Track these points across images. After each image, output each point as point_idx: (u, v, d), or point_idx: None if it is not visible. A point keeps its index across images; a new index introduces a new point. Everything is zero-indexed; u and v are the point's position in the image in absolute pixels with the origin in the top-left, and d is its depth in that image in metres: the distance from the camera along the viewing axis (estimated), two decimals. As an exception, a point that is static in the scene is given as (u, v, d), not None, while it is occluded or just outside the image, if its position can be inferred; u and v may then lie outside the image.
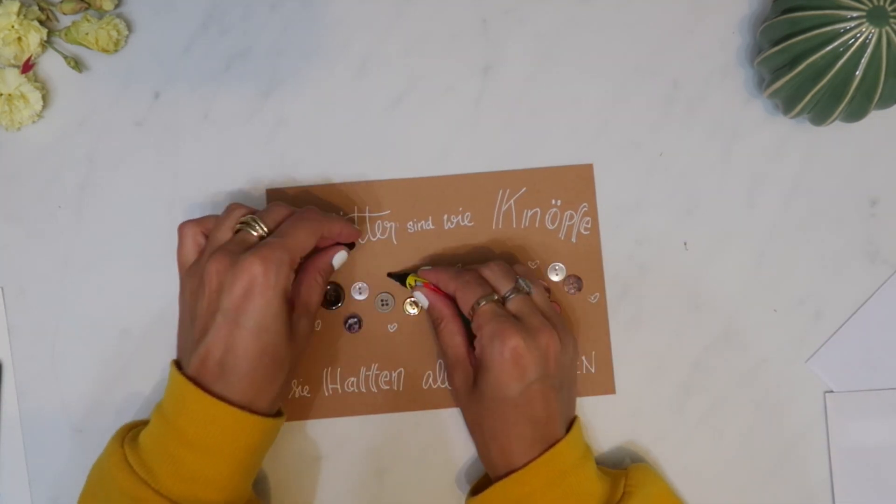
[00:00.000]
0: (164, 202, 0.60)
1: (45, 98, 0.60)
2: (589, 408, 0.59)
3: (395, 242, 0.60)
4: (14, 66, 0.59)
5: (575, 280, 0.59)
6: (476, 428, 0.53)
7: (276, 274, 0.48)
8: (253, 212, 0.52)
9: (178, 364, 0.51)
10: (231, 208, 0.53)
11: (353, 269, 0.59)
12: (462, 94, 0.61)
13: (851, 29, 0.52)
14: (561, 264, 0.59)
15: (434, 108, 0.61)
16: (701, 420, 0.59)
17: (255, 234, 0.51)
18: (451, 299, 0.55)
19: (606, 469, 0.55)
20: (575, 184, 0.60)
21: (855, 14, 0.52)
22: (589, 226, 0.60)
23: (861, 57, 0.52)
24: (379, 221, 0.60)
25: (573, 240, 0.60)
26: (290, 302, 0.51)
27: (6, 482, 0.58)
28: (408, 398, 0.59)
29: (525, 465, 0.50)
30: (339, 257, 0.56)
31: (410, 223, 0.60)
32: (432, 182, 0.60)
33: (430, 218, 0.60)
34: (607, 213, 0.60)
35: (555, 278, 0.59)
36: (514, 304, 0.52)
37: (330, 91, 0.61)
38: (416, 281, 0.57)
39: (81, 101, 0.61)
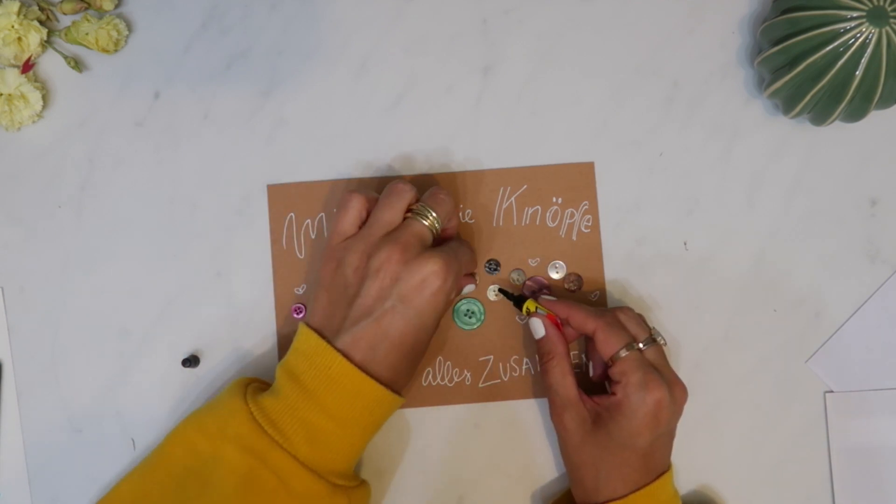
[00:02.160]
0: (164, 202, 0.60)
1: (45, 98, 0.60)
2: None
3: None
4: (14, 66, 0.59)
5: (575, 278, 0.59)
6: (588, 467, 0.53)
7: (452, 282, 0.51)
8: (418, 198, 0.54)
9: (315, 331, 0.51)
10: (400, 189, 0.53)
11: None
12: (462, 94, 0.61)
13: (851, 29, 0.52)
14: (561, 262, 0.60)
15: (434, 108, 0.61)
16: (701, 420, 0.59)
17: (426, 222, 0.52)
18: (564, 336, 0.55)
19: None
20: (576, 182, 0.60)
21: (855, 14, 0.52)
22: (589, 224, 0.60)
23: (861, 57, 0.52)
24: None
25: (574, 237, 0.60)
26: None
27: (6, 482, 0.58)
28: (407, 395, 0.59)
29: (625, 495, 0.51)
30: (469, 288, 0.58)
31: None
32: (433, 179, 0.60)
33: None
34: (607, 212, 0.60)
35: (555, 276, 0.59)
36: (650, 354, 0.53)
37: (330, 91, 0.61)
38: (536, 308, 0.56)
39: (81, 101, 0.61)
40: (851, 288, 0.60)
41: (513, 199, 0.60)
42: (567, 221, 0.60)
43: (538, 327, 0.56)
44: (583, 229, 0.60)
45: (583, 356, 0.59)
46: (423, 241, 0.52)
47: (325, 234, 0.60)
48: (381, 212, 0.52)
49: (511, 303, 0.58)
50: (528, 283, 0.59)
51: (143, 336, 0.59)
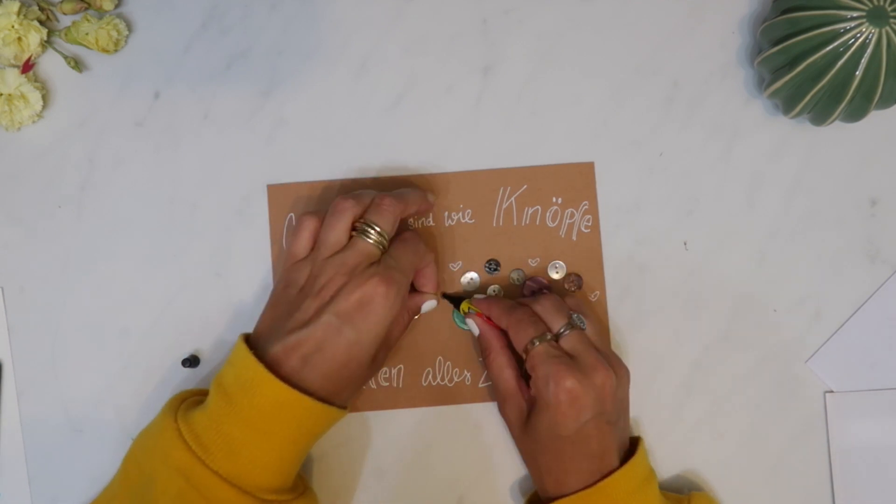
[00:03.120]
0: (164, 202, 0.60)
1: (45, 98, 0.60)
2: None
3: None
4: (14, 66, 0.59)
5: (575, 278, 0.59)
6: (531, 461, 0.54)
7: (395, 298, 0.51)
8: (363, 212, 0.53)
9: (248, 343, 0.51)
10: (341, 209, 0.52)
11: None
12: (462, 94, 0.61)
13: (851, 29, 0.52)
14: (561, 262, 0.60)
15: (434, 108, 0.61)
16: (701, 420, 0.59)
17: (370, 240, 0.52)
18: (503, 330, 0.55)
19: (669, 494, 0.56)
20: (576, 182, 0.60)
21: (855, 14, 0.52)
22: (589, 224, 0.60)
23: (861, 57, 0.52)
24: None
25: (574, 237, 0.60)
26: None
27: (6, 482, 0.58)
28: (407, 395, 0.59)
29: (576, 491, 0.51)
30: (429, 304, 0.57)
31: (411, 220, 0.60)
32: (433, 179, 0.60)
33: (431, 215, 0.60)
34: (607, 212, 0.60)
35: (555, 276, 0.59)
36: (567, 341, 0.52)
37: (330, 91, 0.61)
38: (469, 308, 0.57)
39: (81, 101, 0.61)
40: (851, 288, 0.60)
41: (513, 199, 0.60)
42: (567, 221, 0.60)
43: (472, 326, 0.57)
44: (583, 229, 0.60)
45: None
46: (369, 258, 0.51)
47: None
48: (326, 233, 0.52)
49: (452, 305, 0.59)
50: (528, 283, 0.59)
51: (143, 336, 0.59)
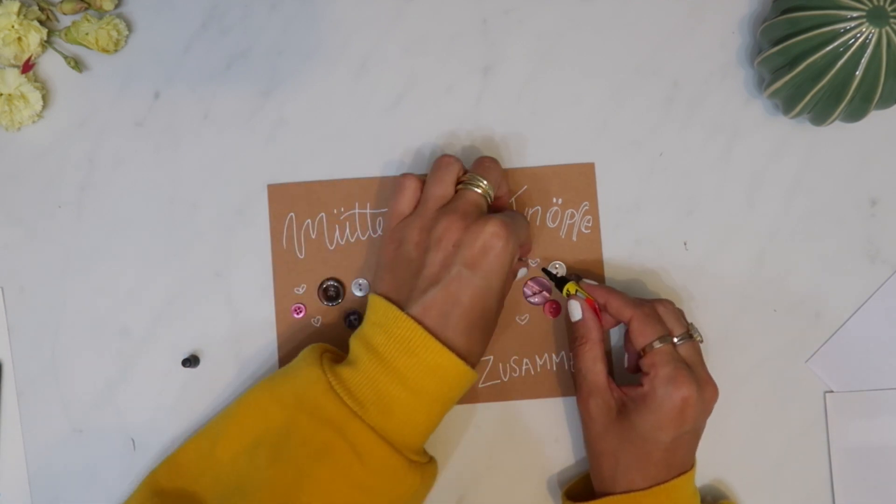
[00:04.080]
0: (164, 202, 0.60)
1: (45, 98, 0.60)
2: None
3: None
4: (14, 66, 0.59)
5: (575, 278, 0.59)
6: (608, 456, 0.53)
7: (514, 243, 0.51)
8: (465, 170, 0.54)
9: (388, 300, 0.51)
10: (446, 163, 0.53)
11: (354, 265, 0.59)
12: (462, 94, 0.61)
13: (851, 29, 0.52)
14: (561, 262, 0.59)
15: (434, 108, 0.61)
16: (701, 420, 0.59)
17: (479, 190, 0.53)
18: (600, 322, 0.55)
19: None
20: (576, 182, 0.60)
21: (855, 14, 0.52)
22: (590, 224, 0.60)
23: (861, 57, 0.52)
24: (380, 218, 0.60)
25: (574, 238, 0.60)
26: None
27: (6, 482, 0.58)
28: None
29: (644, 488, 0.51)
30: (522, 272, 0.59)
31: None
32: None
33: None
34: (607, 212, 0.60)
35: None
36: (683, 349, 0.53)
37: (330, 91, 0.61)
38: (577, 291, 0.56)
39: (81, 101, 0.61)
40: (851, 288, 0.60)
41: (513, 199, 0.60)
42: (567, 222, 0.60)
43: (576, 310, 0.55)
44: (583, 230, 0.60)
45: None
46: (479, 207, 0.52)
47: (326, 233, 0.60)
48: (433, 187, 0.53)
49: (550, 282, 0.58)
50: (529, 282, 0.59)
51: (143, 336, 0.59)
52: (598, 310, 0.55)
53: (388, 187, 0.60)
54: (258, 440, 0.50)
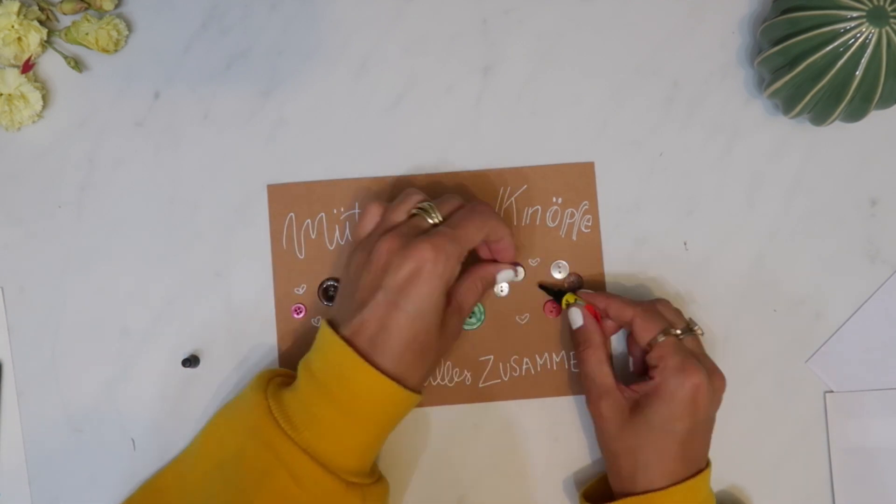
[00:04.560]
0: (164, 202, 0.60)
1: (45, 98, 0.60)
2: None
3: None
4: (14, 66, 0.59)
5: (575, 278, 0.59)
6: (626, 455, 0.52)
7: (445, 264, 0.49)
8: (429, 199, 0.53)
9: (331, 325, 0.51)
10: (408, 193, 0.53)
11: (354, 268, 0.60)
12: (462, 94, 0.61)
13: (851, 29, 0.52)
14: (564, 262, 0.59)
15: (434, 108, 0.61)
16: (701, 420, 0.59)
17: (429, 221, 0.52)
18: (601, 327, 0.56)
19: None
20: (576, 182, 0.60)
21: (855, 14, 0.52)
22: (590, 224, 0.60)
23: (861, 57, 0.52)
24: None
25: (574, 238, 0.60)
26: (447, 296, 0.51)
27: (6, 482, 0.58)
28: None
29: (665, 487, 0.51)
30: (504, 275, 0.56)
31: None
32: (433, 179, 0.60)
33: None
34: (607, 212, 0.60)
35: (557, 275, 0.59)
36: (688, 342, 0.53)
37: (330, 91, 0.61)
38: (575, 300, 0.57)
39: (81, 101, 0.61)
40: (851, 288, 0.60)
41: (513, 199, 0.60)
42: (567, 221, 0.60)
43: (576, 317, 0.56)
44: (583, 229, 0.60)
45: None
46: (420, 230, 0.51)
47: (326, 233, 0.60)
48: (388, 214, 0.53)
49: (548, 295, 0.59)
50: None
51: (143, 336, 0.59)
52: (598, 315, 0.56)
53: (388, 187, 0.60)
54: (218, 465, 0.51)
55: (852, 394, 0.59)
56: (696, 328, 0.54)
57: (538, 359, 0.59)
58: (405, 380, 0.50)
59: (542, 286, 0.59)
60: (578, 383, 0.59)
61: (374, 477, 0.53)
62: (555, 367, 0.59)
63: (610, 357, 0.55)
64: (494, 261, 0.56)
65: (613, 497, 0.53)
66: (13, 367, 0.59)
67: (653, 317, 0.53)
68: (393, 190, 0.60)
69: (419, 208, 0.52)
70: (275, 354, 0.59)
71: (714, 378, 0.52)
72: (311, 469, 0.49)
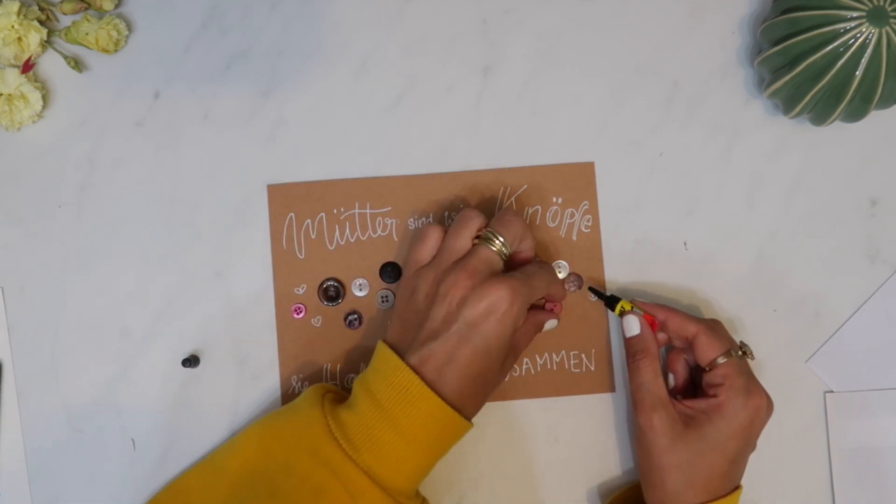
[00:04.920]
0: (164, 202, 0.60)
1: (45, 98, 0.60)
2: (588, 406, 0.59)
3: (396, 239, 0.60)
4: (14, 66, 0.59)
5: (575, 278, 0.59)
6: (674, 470, 0.52)
7: (519, 308, 0.51)
8: (487, 223, 0.54)
9: (391, 348, 0.52)
10: (467, 217, 0.53)
11: (354, 265, 0.59)
12: (462, 94, 0.61)
13: (851, 29, 0.52)
14: (564, 262, 0.59)
15: (434, 108, 0.61)
16: (701, 420, 0.59)
17: (493, 248, 0.52)
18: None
19: None
20: (576, 182, 0.60)
21: (855, 14, 0.52)
22: (590, 224, 0.60)
23: (861, 57, 0.52)
24: (380, 218, 0.60)
25: (574, 238, 0.60)
26: None
27: (6, 482, 0.58)
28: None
29: (707, 502, 0.52)
30: (551, 323, 0.58)
31: (411, 219, 0.60)
32: (433, 179, 0.60)
33: (432, 215, 0.60)
34: (607, 212, 0.60)
35: (559, 275, 0.59)
36: (744, 364, 0.54)
37: (330, 91, 0.61)
38: (632, 308, 0.56)
39: (81, 101, 0.61)
40: (851, 288, 0.60)
41: (513, 199, 0.60)
42: (567, 221, 0.60)
43: (634, 325, 0.56)
44: (583, 229, 0.60)
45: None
46: (491, 265, 0.52)
47: (326, 233, 0.60)
48: (450, 240, 0.53)
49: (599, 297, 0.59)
50: None
51: (143, 336, 0.59)
52: (654, 326, 0.56)
53: (389, 188, 0.60)
54: (259, 475, 0.51)
55: (852, 394, 0.59)
56: (749, 353, 0.55)
57: (538, 359, 0.59)
58: (463, 410, 0.51)
59: (593, 290, 0.59)
60: (578, 384, 0.59)
61: (419, 499, 0.53)
62: (555, 368, 0.59)
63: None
64: (542, 307, 0.58)
65: None
66: (13, 367, 0.59)
67: (717, 335, 0.54)
68: (395, 190, 0.60)
69: (481, 237, 0.53)
70: (275, 354, 0.59)
71: (770, 403, 0.53)
72: (370, 490, 0.49)
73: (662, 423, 0.52)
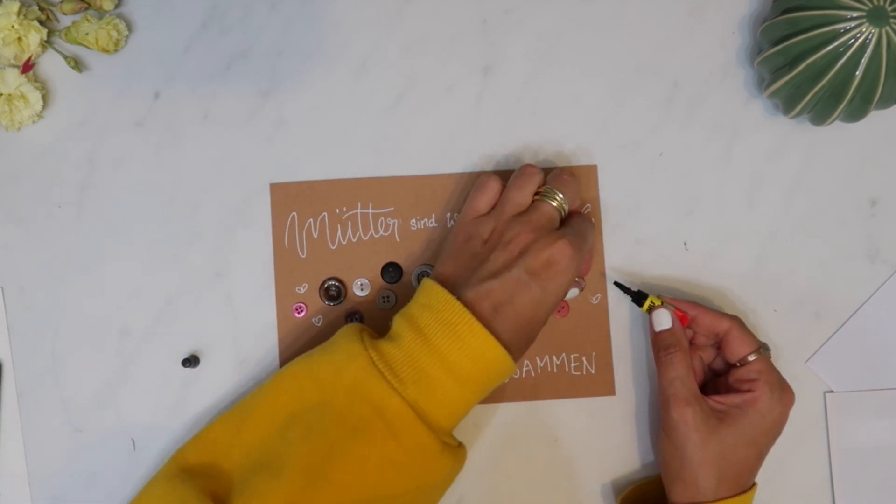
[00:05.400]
0: (164, 202, 0.60)
1: (45, 98, 0.60)
2: (588, 409, 0.59)
3: (398, 239, 0.60)
4: (14, 66, 0.59)
5: (577, 280, 0.59)
6: (709, 464, 0.52)
7: (577, 265, 0.52)
8: (544, 181, 0.55)
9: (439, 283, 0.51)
10: (529, 173, 0.54)
11: (355, 264, 0.59)
12: (462, 94, 0.61)
13: (851, 29, 0.52)
14: None
15: (434, 108, 0.61)
16: (701, 420, 0.59)
17: (554, 203, 0.53)
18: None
19: None
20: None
21: (855, 14, 0.52)
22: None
23: (861, 57, 0.52)
24: (382, 218, 0.60)
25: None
26: None
27: (6, 482, 0.58)
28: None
29: (732, 496, 0.52)
30: (573, 293, 0.59)
31: (413, 220, 0.60)
32: (435, 179, 0.60)
33: (434, 215, 0.60)
34: (607, 212, 0.60)
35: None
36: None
37: (330, 91, 0.61)
38: (662, 303, 0.56)
39: (81, 101, 0.61)
40: (851, 288, 0.60)
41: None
42: (569, 223, 0.60)
43: (665, 319, 0.56)
44: (584, 230, 0.60)
45: None
46: (552, 221, 0.53)
47: (328, 232, 0.60)
48: (512, 193, 0.54)
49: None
50: None
51: (143, 336, 0.59)
52: (685, 320, 0.56)
53: (392, 188, 0.60)
54: (292, 416, 0.50)
55: (852, 394, 0.59)
56: (769, 349, 0.55)
57: (538, 361, 0.59)
58: (512, 351, 0.50)
59: (619, 285, 0.59)
60: (578, 387, 0.59)
61: (458, 441, 0.53)
62: (555, 370, 0.59)
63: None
64: None
65: None
66: (13, 367, 0.59)
67: (748, 332, 0.54)
68: (398, 190, 0.60)
69: (542, 193, 0.54)
70: (276, 354, 0.59)
71: (793, 398, 0.54)
72: (414, 425, 0.48)
73: (696, 419, 0.52)
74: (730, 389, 0.54)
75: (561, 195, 0.54)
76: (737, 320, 0.55)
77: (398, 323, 0.51)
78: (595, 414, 0.59)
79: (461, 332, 0.49)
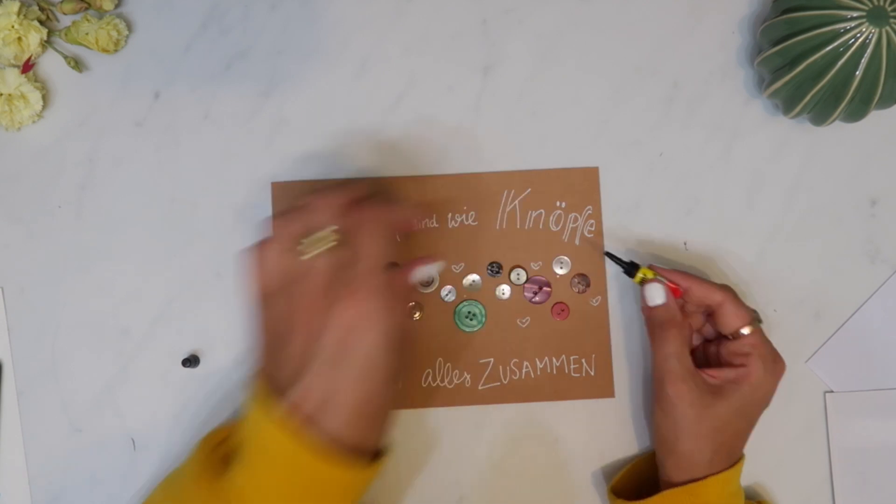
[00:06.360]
0: (164, 202, 0.60)
1: (45, 98, 0.60)
2: (588, 411, 0.59)
3: (399, 239, 0.60)
4: (14, 66, 0.59)
5: (581, 278, 0.59)
6: (705, 439, 0.51)
7: (386, 303, 0.45)
8: (304, 229, 0.46)
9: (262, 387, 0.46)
10: (281, 224, 0.47)
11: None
12: (462, 94, 0.61)
13: (851, 29, 0.52)
14: (566, 258, 0.59)
15: (434, 108, 0.61)
16: (701, 420, 0.59)
17: (320, 250, 0.46)
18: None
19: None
20: (580, 186, 0.60)
21: (855, 14, 0.52)
22: (593, 228, 0.60)
23: (861, 57, 0.52)
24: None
25: (577, 242, 0.60)
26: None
27: (6, 482, 0.58)
28: (407, 396, 0.59)
29: (729, 467, 0.52)
30: (420, 273, 0.51)
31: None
32: (438, 180, 0.60)
33: (435, 216, 0.60)
34: (607, 212, 0.60)
35: (559, 271, 0.59)
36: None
37: (330, 91, 0.61)
38: (655, 275, 0.54)
39: (81, 101, 0.61)
40: (851, 288, 0.60)
41: (517, 202, 0.60)
42: (570, 226, 0.60)
43: (658, 293, 0.54)
44: (586, 234, 0.60)
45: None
46: (328, 273, 0.45)
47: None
48: (280, 263, 0.47)
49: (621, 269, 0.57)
50: (526, 284, 0.59)
51: (143, 336, 0.59)
52: (678, 293, 0.55)
53: (393, 188, 0.60)
54: None
55: (852, 394, 0.59)
56: (762, 320, 0.55)
57: (538, 362, 0.59)
58: (362, 442, 0.46)
59: (610, 255, 0.57)
60: (577, 388, 0.59)
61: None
62: (554, 372, 0.59)
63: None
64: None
65: (658, 487, 0.53)
66: (13, 367, 0.59)
67: (741, 304, 0.53)
68: (400, 190, 0.60)
69: (304, 244, 0.46)
70: (275, 354, 0.59)
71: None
72: None
73: (692, 394, 0.52)
74: (722, 362, 0.54)
75: (323, 231, 0.46)
76: (730, 292, 0.53)
77: (239, 446, 0.47)
78: (594, 415, 0.59)
79: (294, 465, 0.44)
